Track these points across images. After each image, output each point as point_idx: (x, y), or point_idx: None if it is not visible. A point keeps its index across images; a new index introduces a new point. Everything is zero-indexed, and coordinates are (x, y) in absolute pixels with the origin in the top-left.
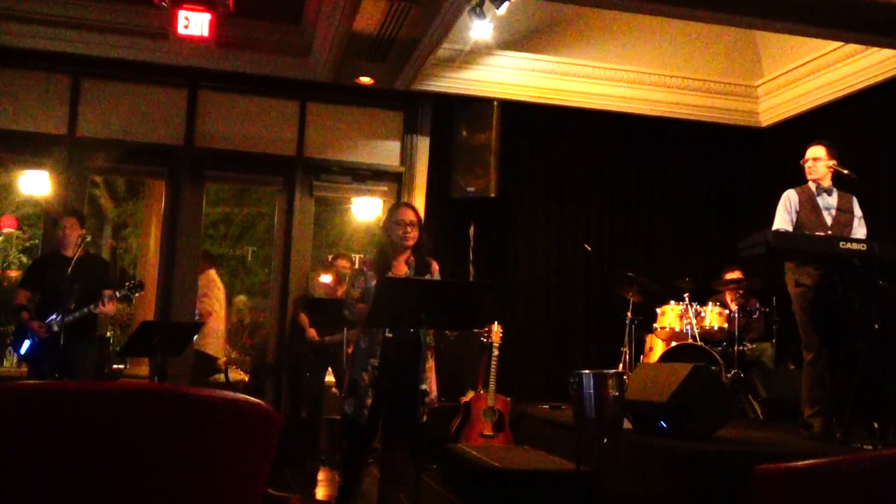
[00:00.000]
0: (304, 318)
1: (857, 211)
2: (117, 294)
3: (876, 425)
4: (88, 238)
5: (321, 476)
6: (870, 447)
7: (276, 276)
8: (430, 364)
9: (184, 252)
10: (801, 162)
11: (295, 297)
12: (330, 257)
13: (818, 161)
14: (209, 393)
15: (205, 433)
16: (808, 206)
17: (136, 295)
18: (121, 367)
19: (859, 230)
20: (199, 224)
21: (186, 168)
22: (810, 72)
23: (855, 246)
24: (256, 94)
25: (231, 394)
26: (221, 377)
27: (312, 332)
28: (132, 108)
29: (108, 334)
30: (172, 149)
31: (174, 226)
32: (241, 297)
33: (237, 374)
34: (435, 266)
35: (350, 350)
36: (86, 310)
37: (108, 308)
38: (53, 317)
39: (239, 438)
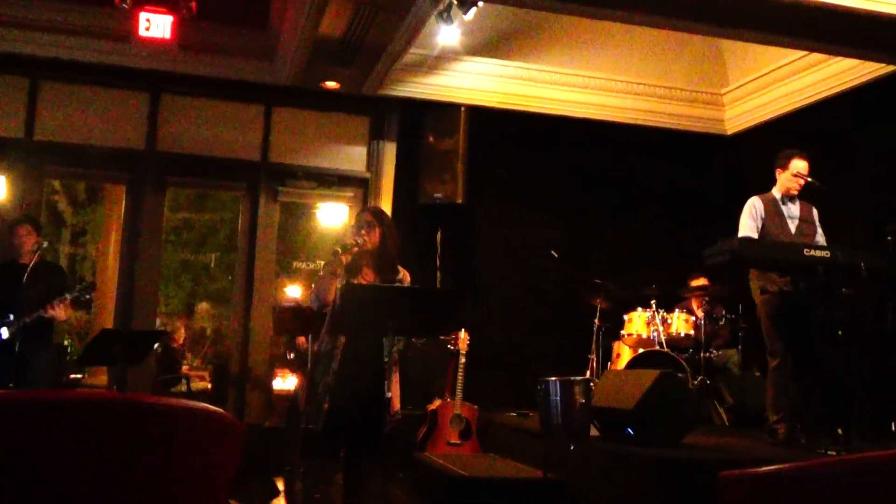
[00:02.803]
0: (291, 327)
1: (818, 223)
2: (67, 296)
3: (840, 431)
4: (45, 244)
5: (282, 487)
6: (833, 453)
7: (239, 283)
8: (395, 375)
9: (144, 259)
10: (791, 174)
11: (275, 307)
12: (300, 264)
13: (802, 175)
14: (169, 402)
15: (165, 443)
16: (773, 214)
17: (88, 297)
18: (79, 376)
19: (821, 242)
20: (160, 230)
21: (148, 173)
22: (775, 80)
23: (819, 253)
24: (220, 98)
25: (192, 403)
26: (183, 387)
27: (302, 340)
28: (92, 112)
29: (66, 343)
30: (134, 153)
31: (135, 232)
32: (204, 305)
33: (199, 383)
34: (405, 274)
35: None
36: (35, 314)
37: (59, 311)
38: (5, 325)
39: (200, 448)
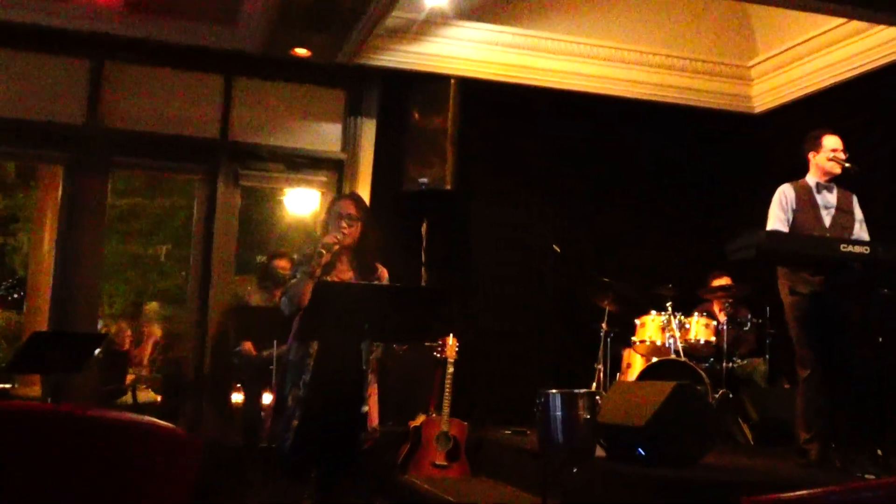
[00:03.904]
0: (237, 331)
1: (858, 213)
2: None
3: (879, 452)
4: None
5: None
6: (872, 476)
7: (194, 280)
8: (372, 387)
9: (85, 251)
10: (827, 155)
11: (224, 308)
12: (264, 258)
13: (838, 152)
14: (112, 416)
15: (107, 462)
16: (806, 205)
17: (16, 296)
18: (7, 386)
19: (861, 235)
20: (104, 218)
21: (89, 152)
22: (810, 51)
23: (857, 249)
24: (173, 67)
25: (138, 417)
26: (129, 398)
27: (248, 346)
28: (23, 81)
29: None
30: (72, 129)
31: (74, 220)
32: (153, 305)
33: (147, 395)
34: (383, 272)
35: None
36: None
37: None
38: None
39: (147, 468)
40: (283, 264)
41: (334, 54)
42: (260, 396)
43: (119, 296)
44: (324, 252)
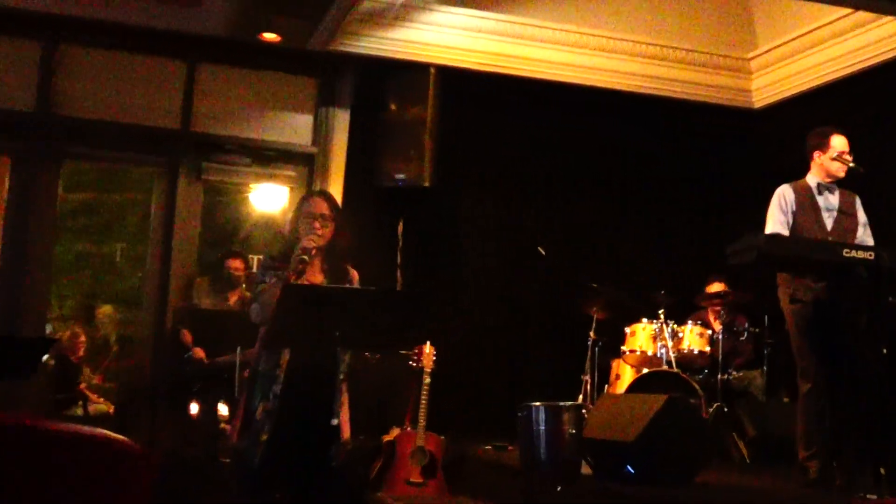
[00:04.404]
0: (186, 335)
1: (862, 216)
2: None
3: (882, 471)
4: None
5: None
6: (874, 496)
7: (151, 281)
8: (344, 397)
9: (33, 248)
10: (833, 155)
11: (174, 309)
12: (220, 255)
13: (845, 154)
14: (60, 428)
15: (58, 476)
16: (807, 207)
17: None
18: None
19: (865, 239)
20: (54, 214)
21: (39, 142)
22: (813, 44)
23: (861, 254)
24: (131, 51)
25: (88, 429)
26: (79, 409)
27: (199, 352)
28: None
29: None
30: (21, 117)
31: (21, 215)
32: (107, 308)
33: (100, 405)
34: (354, 275)
35: (246, 374)
36: None
37: None
38: None
39: (100, 483)
40: (236, 265)
41: (305, 39)
42: (216, 407)
43: (70, 298)
44: (306, 259)
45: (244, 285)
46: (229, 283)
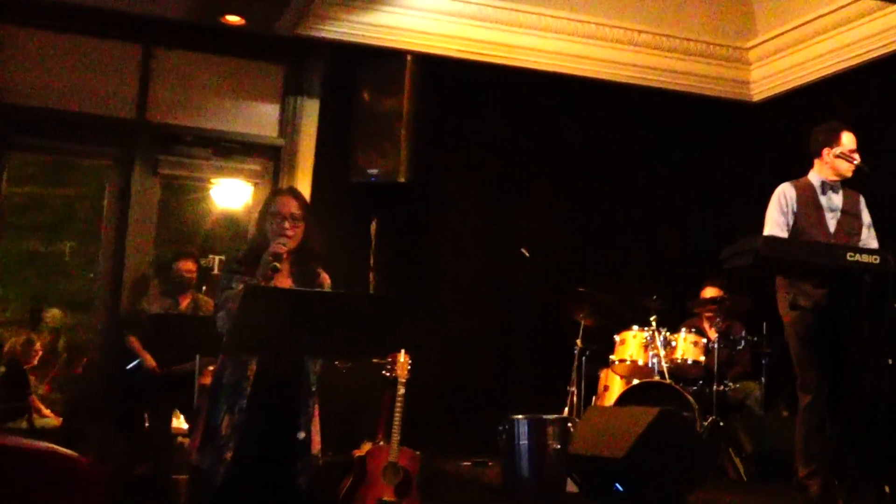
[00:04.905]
0: (134, 342)
1: (866, 216)
2: None
3: (887, 489)
4: None
5: None
6: None
7: (103, 283)
8: (313, 409)
9: None
10: (841, 152)
11: (122, 314)
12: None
13: (854, 152)
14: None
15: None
16: (809, 207)
17: None
18: None
19: (869, 242)
20: None
21: None
22: (816, 33)
23: (865, 258)
24: (82, 34)
25: (36, 443)
26: (24, 422)
27: (150, 361)
28: None
29: None
30: None
31: None
32: (55, 312)
33: (48, 418)
34: (325, 278)
35: (205, 381)
36: None
37: None
38: None
39: (45, 501)
40: (188, 266)
41: (272, 23)
42: (170, 420)
43: (15, 300)
44: (278, 267)
45: (205, 287)
46: (180, 286)
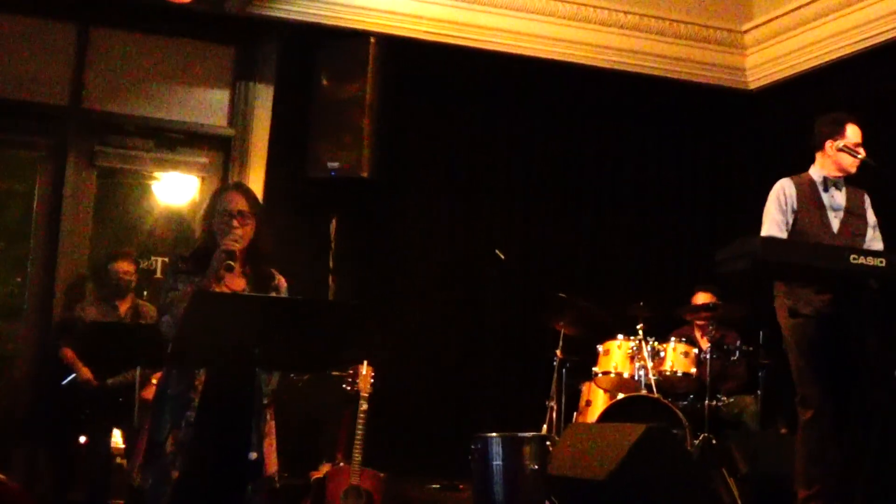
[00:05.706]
0: (68, 353)
1: (871, 216)
2: None
3: None
4: None
5: None
6: None
7: (33, 287)
8: (269, 425)
9: None
10: (847, 145)
11: (55, 323)
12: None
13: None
14: None
15: None
16: (810, 205)
17: None
18: None
19: (874, 243)
20: None
21: None
22: (816, 16)
23: (871, 261)
24: (11, 12)
25: None
26: None
27: (86, 373)
28: None
29: None
30: None
31: None
32: None
33: None
34: (281, 281)
35: (146, 394)
36: None
37: None
38: None
39: None
40: (124, 268)
41: (222, 1)
42: (108, 438)
43: None
44: (232, 264)
45: (146, 293)
46: (118, 291)
